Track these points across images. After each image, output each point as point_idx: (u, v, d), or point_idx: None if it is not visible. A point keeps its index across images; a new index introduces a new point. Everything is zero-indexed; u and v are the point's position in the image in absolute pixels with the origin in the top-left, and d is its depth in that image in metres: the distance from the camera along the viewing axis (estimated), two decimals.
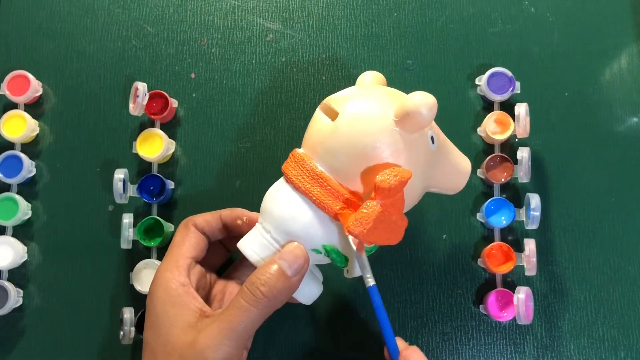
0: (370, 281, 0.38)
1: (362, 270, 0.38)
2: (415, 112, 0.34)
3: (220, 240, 0.46)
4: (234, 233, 0.44)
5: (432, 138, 0.38)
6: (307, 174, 0.37)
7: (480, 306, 0.49)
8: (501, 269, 0.48)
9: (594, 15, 0.53)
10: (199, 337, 0.36)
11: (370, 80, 0.41)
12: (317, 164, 0.37)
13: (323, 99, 0.38)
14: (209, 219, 0.43)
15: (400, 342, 0.40)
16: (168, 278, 0.40)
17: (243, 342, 0.37)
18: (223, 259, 0.47)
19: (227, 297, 0.44)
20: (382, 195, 0.34)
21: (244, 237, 0.39)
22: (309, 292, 0.40)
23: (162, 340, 0.38)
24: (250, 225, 0.42)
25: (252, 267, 0.39)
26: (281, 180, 0.39)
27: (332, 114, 0.37)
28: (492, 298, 0.48)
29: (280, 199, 0.38)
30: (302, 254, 0.37)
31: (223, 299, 0.44)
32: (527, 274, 0.48)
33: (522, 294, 0.46)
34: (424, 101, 0.34)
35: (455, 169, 0.41)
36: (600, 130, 0.51)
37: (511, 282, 0.49)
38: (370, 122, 0.35)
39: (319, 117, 0.38)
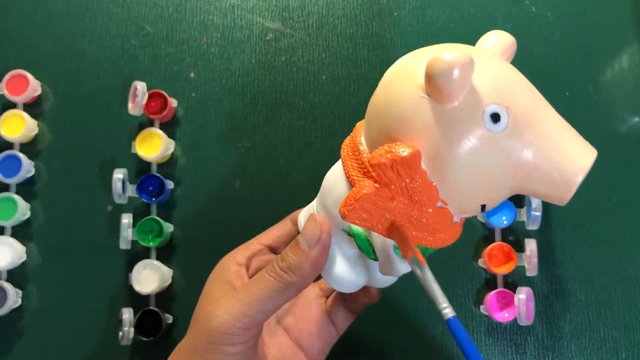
0: (448, 311, 0.28)
1: (429, 293, 0.29)
2: (431, 75, 0.26)
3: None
4: None
5: (494, 115, 0.27)
6: (350, 145, 0.32)
7: (481, 307, 0.48)
8: (502, 270, 0.48)
9: (594, 14, 0.53)
10: (215, 303, 0.35)
11: (493, 43, 0.30)
12: (362, 136, 0.31)
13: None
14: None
15: None
16: (230, 256, 0.38)
17: (256, 313, 0.34)
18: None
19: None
20: (377, 173, 0.28)
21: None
22: (340, 275, 0.35)
23: (195, 312, 0.37)
24: None
25: None
26: None
27: None
28: (492, 298, 0.47)
29: (331, 170, 0.34)
30: (318, 225, 0.33)
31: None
32: (528, 274, 0.47)
33: (523, 295, 0.46)
34: (445, 59, 0.25)
35: (549, 168, 0.29)
36: (602, 130, 0.51)
37: (512, 283, 0.49)
38: (400, 87, 0.28)
39: None
